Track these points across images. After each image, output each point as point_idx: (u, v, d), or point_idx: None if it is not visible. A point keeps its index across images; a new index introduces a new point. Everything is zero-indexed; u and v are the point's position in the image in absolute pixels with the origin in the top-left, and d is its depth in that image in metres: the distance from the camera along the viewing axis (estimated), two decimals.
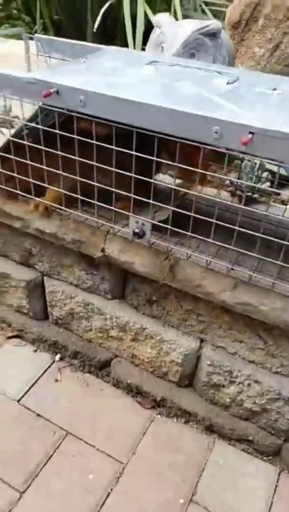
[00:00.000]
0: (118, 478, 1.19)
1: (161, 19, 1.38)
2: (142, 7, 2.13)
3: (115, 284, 1.32)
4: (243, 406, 1.22)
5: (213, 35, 1.35)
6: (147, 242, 1.09)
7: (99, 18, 2.09)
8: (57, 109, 1.00)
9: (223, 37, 1.42)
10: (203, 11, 2.44)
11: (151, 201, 1.00)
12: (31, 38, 1.40)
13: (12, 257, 1.47)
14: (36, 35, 1.40)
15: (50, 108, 1.01)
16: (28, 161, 1.10)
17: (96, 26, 2.09)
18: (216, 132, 0.82)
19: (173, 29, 1.36)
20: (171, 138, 0.88)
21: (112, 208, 1.09)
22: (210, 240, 0.98)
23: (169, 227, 1.02)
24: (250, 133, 0.79)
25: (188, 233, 1.00)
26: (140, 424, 1.32)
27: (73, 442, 1.27)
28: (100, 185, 1.05)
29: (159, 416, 1.35)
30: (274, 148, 0.79)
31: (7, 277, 1.48)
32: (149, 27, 1.97)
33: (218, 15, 2.56)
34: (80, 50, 1.29)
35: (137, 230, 1.05)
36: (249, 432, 1.24)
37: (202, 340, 1.24)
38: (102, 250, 1.19)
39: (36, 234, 1.29)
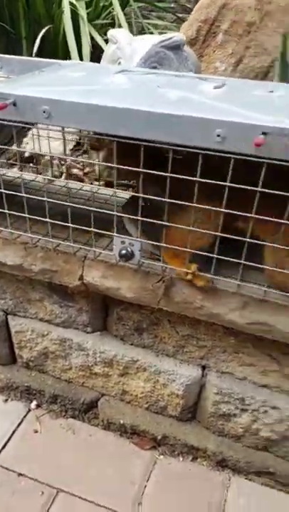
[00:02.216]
0: None
1: (117, 34, 1.23)
2: (86, 28, 1.99)
3: (95, 314, 1.14)
4: (259, 435, 1.09)
5: (176, 47, 1.22)
6: (136, 264, 0.93)
7: (37, 42, 1.93)
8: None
9: (187, 50, 1.30)
10: (151, 34, 2.33)
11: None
12: None
13: None
14: None
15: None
16: None
17: (35, 50, 1.93)
18: (218, 135, 0.68)
19: (131, 44, 1.22)
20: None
21: (91, 229, 0.92)
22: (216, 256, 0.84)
23: (162, 244, 0.87)
24: (263, 133, 0.66)
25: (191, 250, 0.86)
26: (142, 469, 1.16)
27: (67, 500, 1.09)
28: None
29: (162, 456, 1.19)
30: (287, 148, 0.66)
31: None
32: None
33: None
34: (32, 67, 1.11)
35: (124, 252, 0.89)
36: (269, 463, 1.11)
37: (204, 367, 1.10)
38: (80, 278, 1.02)
39: None
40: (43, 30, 1.98)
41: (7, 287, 1.18)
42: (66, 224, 0.93)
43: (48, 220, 0.94)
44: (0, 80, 1.18)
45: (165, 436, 1.18)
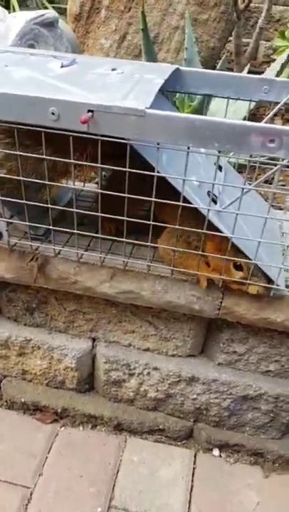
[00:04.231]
0: (26, 505, 1.08)
1: None
2: None
3: None
4: (148, 396, 1.17)
5: (50, 24, 1.27)
6: (7, 244, 0.98)
7: None
8: None
9: (62, 27, 1.34)
10: (46, 8, 2.33)
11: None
12: None
13: None
14: None
15: None
16: None
17: None
18: (52, 113, 0.74)
19: (6, 21, 1.25)
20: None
21: None
22: (76, 231, 0.90)
23: (27, 223, 0.92)
24: (90, 111, 0.72)
25: (51, 227, 0.91)
26: (43, 442, 1.21)
27: None
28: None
29: (63, 428, 1.25)
30: (116, 125, 0.73)
31: None
32: None
33: (64, 13, 2.47)
34: None
35: None
36: (159, 421, 1.20)
37: (94, 339, 1.16)
38: None
39: None
40: None
41: None
42: None
43: None
44: None
45: (65, 408, 1.24)
